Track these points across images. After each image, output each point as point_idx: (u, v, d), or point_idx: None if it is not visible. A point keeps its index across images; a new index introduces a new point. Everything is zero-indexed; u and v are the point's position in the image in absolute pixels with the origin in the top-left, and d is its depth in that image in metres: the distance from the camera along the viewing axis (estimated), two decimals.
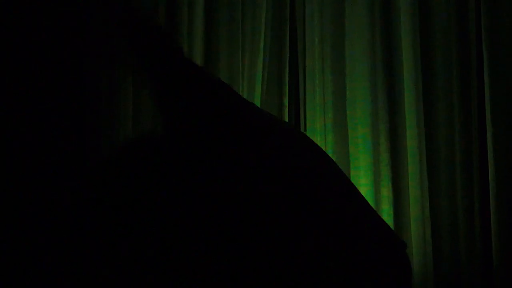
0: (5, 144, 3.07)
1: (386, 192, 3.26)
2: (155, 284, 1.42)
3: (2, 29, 3.11)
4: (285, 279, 1.36)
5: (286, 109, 3.40)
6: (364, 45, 3.36)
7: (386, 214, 3.23)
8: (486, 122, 3.25)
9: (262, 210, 1.37)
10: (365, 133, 3.32)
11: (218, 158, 1.41)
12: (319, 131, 3.36)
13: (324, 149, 2.75)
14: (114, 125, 3.19)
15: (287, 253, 1.36)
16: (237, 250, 1.37)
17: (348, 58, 3.37)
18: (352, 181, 3.20)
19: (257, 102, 3.33)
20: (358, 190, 1.54)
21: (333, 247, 1.35)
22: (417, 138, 3.30)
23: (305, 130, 3.39)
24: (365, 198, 1.53)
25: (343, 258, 1.35)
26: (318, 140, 3.34)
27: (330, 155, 3.12)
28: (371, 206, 1.52)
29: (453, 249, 3.24)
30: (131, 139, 1.49)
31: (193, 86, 1.52)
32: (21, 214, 3.03)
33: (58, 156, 3.11)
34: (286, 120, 3.37)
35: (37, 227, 3.03)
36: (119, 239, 1.44)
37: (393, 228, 3.18)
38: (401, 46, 3.34)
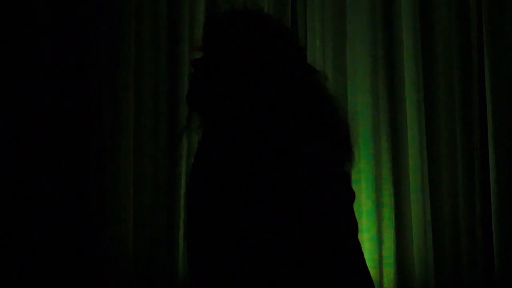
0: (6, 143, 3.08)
1: (387, 196, 3.25)
2: None
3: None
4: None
5: None
6: (365, 47, 3.35)
7: (387, 219, 3.23)
8: (488, 126, 3.25)
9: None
10: (366, 136, 3.32)
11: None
12: None
13: None
14: (116, 124, 3.20)
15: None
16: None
17: (349, 60, 3.36)
18: (353, 185, 3.23)
19: None
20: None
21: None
22: (418, 141, 3.29)
23: None
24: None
25: None
26: None
27: None
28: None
29: (454, 253, 3.23)
30: None
31: None
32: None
33: (61, 155, 3.12)
34: None
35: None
36: None
37: (394, 233, 3.19)
38: (402, 49, 3.33)
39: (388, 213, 3.24)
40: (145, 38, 3.30)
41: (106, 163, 3.17)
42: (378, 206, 3.24)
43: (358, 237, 1.49)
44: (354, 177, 3.27)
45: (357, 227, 1.49)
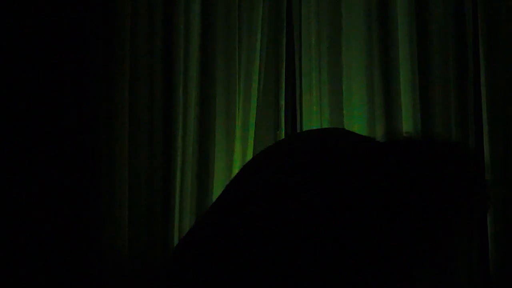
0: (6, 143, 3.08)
1: None
2: None
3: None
4: None
5: (283, 109, 3.40)
6: (360, 45, 3.36)
7: None
8: (483, 126, 3.25)
9: None
10: (361, 132, 3.30)
11: None
12: None
13: None
14: (111, 122, 3.20)
15: None
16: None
17: (344, 58, 3.36)
18: None
19: (254, 101, 3.34)
20: None
21: None
22: None
23: (301, 129, 3.39)
24: None
25: None
26: None
27: None
28: None
29: None
30: None
31: None
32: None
33: (59, 154, 3.12)
34: (282, 120, 3.39)
35: None
36: None
37: None
38: (398, 46, 3.33)
39: None
40: (141, 34, 3.31)
41: (101, 162, 3.17)
42: None
43: None
44: None
45: None
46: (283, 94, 3.41)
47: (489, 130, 3.23)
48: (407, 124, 3.30)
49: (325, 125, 3.35)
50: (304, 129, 3.38)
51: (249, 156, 3.30)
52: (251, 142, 3.32)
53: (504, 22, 3.27)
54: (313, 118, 3.37)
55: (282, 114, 3.39)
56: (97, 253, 3.09)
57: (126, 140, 3.21)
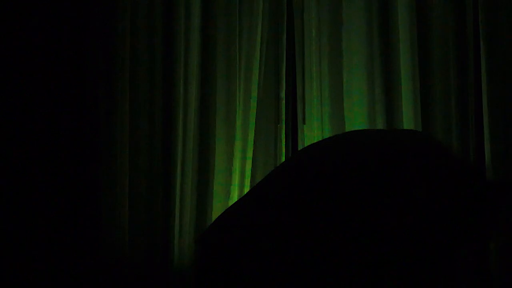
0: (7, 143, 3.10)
1: None
2: None
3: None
4: None
5: (283, 102, 3.40)
6: (361, 37, 3.34)
7: None
8: (484, 122, 3.24)
9: None
10: (362, 125, 3.32)
11: None
12: (316, 124, 3.36)
13: None
14: (111, 121, 3.21)
15: None
16: None
17: (345, 50, 3.35)
18: None
19: (254, 94, 3.34)
20: None
21: None
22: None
23: (304, 122, 3.40)
24: None
25: None
26: (315, 132, 3.35)
27: None
28: None
29: None
30: None
31: None
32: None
33: (58, 155, 3.13)
34: (283, 113, 3.39)
35: None
36: None
37: None
38: (399, 39, 3.32)
39: None
40: (141, 29, 3.31)
41: (101, 161, 3.18)
42: None
43: None
44: None
45: None
46: (284, 87, 3.40)
47: (490, 126, 3.22)
48: (407, 116, 3.30)
49: (326, 117, 3.35)
50: (305, 122, 3.40)
51: (250, 150, 3.32)
52: (251, 135, 3.33)
53: (505, 11, 3.25)
54: (314, 111, 3.37)
55: (283, 107, 3.40)
56: (97, 253, 3.12)
57: (126, 139, 3.22)
